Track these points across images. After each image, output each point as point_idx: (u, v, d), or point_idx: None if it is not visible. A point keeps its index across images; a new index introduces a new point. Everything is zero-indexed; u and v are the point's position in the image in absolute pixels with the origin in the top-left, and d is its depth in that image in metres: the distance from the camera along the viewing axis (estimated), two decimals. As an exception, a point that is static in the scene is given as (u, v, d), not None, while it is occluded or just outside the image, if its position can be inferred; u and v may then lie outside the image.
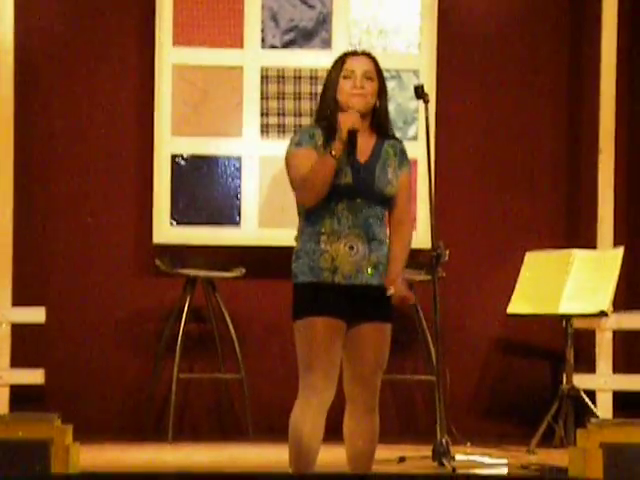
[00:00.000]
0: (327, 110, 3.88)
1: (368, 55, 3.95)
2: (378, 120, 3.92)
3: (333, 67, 3.93)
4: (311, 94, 6.28)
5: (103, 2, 6.35)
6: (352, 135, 3.79)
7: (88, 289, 6.29)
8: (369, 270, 3.85)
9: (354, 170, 3.85)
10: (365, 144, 3.90)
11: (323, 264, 3.83)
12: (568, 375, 5.89)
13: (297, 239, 3.92)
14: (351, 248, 3.84)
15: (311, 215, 3.86)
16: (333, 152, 3.78)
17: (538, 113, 6.52)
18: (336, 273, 3.83)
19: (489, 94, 6.50)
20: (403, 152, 3.96)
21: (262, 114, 6.33)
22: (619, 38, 6.28)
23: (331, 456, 4.15)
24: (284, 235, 6.29)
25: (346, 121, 3.79)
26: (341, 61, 3.91)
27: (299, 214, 3.93)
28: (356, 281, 3.84)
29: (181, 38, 6.29)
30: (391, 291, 3.85)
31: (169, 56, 6.28)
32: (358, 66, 3.89)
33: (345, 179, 3.83)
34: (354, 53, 3.95)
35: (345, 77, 3.89)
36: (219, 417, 6.36)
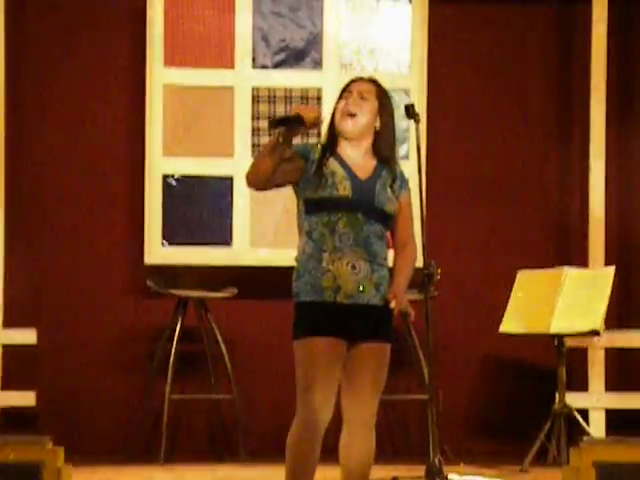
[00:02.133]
0: (327, 129, 3.93)
1: (371, 80, 4.00)
2: (378, 144, 3.93)
3: (340, 93, 3.99)
4: (302, 114, 6.28)
5: (94, 23, 6.36)
6: (294, 119, 3.75)
7: (79, 310, 6.28)
8: (372, 291, 3.84)
9: (354, 184, 3.86)
10: (366, 164, 3.91)
11: (325, 283, 3.83)
12: (560, 393, 5.89)
13: (298, 257, 3.91)
14: (353, 267, 3.84)
15: (312, 232, 3.86)
16: (279, 132, 3.77)
17: (528, 132, 6.54)
18: (338, 292, 3.83)
19: (480, 113, 6.51)
20: (402, 176, 3.99)
21: (253, 134, 6.34)
22: (609, 54, 6.31)
23: (327, 476, 4.14)
24: (276, 255, 6.31)
25: (303, 107, 3.90)
26: (345, 87, 3.98)
27: (299, 232, 3.93)
28: (359, 300, 3.84)
29: (172, 59, 6.30)
30: (392, 305, 3.84)
31: (160, 76, 6.29)
32: (355, 88, 3.94)
33: (344, 192, 3.84)
34: (359, 78, 4.01)
35: (341, 98, 3.93)
36: (211, 438, 6.34)
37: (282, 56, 6.38)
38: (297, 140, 3.90)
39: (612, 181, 6.40)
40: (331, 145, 3.90)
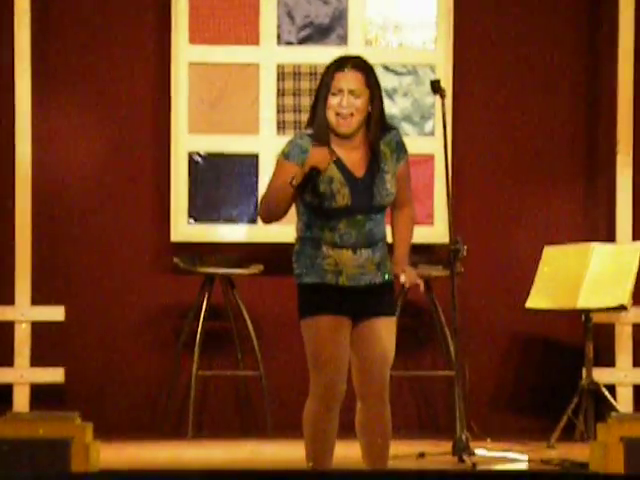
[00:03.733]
0: (318, 122, 3.87)
1: (358, 68, 3.89)
2: (370, 125, 3.90)
3: (323, 78, 3.90)
4: (327, 90, 6.27)
5: (119, 2, 6.36)
6: (313, 172, 3.77)
7: (107, 287, 6.30)
8: (373, 271, 3.86)
9: (352, 189, 3.84)
10: (360, 157, 3.88)
11: (327, 267, 3.85)
12: (588, 369, 5.87)
13: (297, 241, 3.93)
14: (354, 252, 3.86)
15: (311, 224, 3.87)
16: (293, 182, 3.79)
17: (555, 107, 6.49)
18: (340, 275, 3.85)
19: (506, 89, 6.47)
20: (399, 144, 3.94)
21: (278, 111, 6.33)
22: (637, 33, 6.25)
23: (348, 452, 4.15)
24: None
25: (315, 156, 3.79)
26: (331, 75, 3.88)
27: (298, 215, 3.93)
28: (360, 282, 3.87)
29: (197, 36, 6.29)
30: (402, 279, 3.86)
31: (185, 54, 6.28)
32: (345, 84, 3.86)
33: (343, 201, 3.84)
34: (342, 67, 3.88)
35: (333, 94, 3.87)
36: (238, 414, 6.37)
37: (307, 32, 6.36)
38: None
39: (640, 156, 6.36)
40: (324, 140, 3.84)
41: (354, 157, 3.88)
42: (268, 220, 3.91)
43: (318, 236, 3.86)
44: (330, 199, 3.83)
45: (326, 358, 3.81)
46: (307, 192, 3.83)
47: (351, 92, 3.86)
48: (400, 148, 3.94)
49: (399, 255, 3.92)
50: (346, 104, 3.84)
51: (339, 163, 3.86)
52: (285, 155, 3.89)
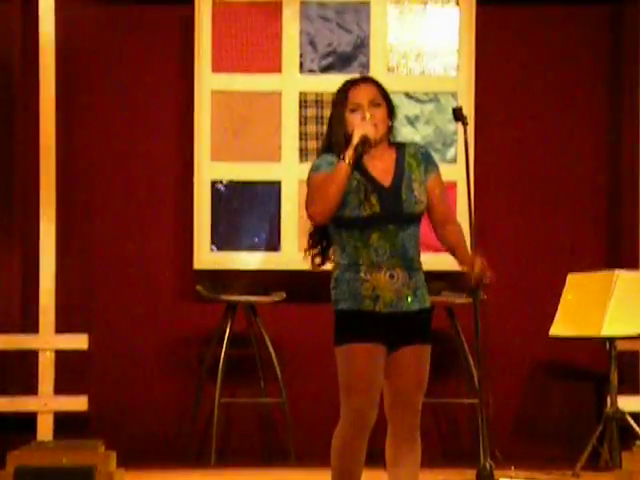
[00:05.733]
0: (337, 145, 3.85)
1: (369, 81, 3.91)
2: (393, 136, 3.91)
3: (337, 101, 3.88)
4: (350, 118, 6.28)
5: (142, 30, 6.41)
6: (363, 141, 3.77)
7: (130, 315, 6.32)
8: (409, 299, 3.84)
9: (380, 197, 3.83)
10: (386, 167, 3.88)
11: (364, 292, 3.83)
12: (612, 397, 5.84)
13: (334, 267, 3.91)
14: (391, 277, 3.83)
15: (346, 247, 3.85)
16: (346, 159, 3.76)
17: (578, 135, 6.49)
18: (377, 301, 3.83)
19: (527, 116, 6.48)
20: (426, 155, 3.92)
21: (301, 138, 6.35)
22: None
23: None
24: (324, 259, 6.31)
25: (360, 128, 3.78)
26: (344, 95, 3.87)
27: (334, 245, 3.91)
28: (397, 309, 3.83)
29: (220, 64, 6.33)
30: (477, 266, 3.75)
31: (208, 82, 6.32)
32: (362, 97, 3.86)
33: (372, 209, 3.82)
34: (355, 83, 3.90)
35: (352, 110, 3.86)
36: (262, 441, 6.36)
37: (329, 60, 6.39)
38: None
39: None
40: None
41: (380, 167, 3.86)
42: (325, 211, 3.77)
43: (354, 258, 3.84)
44: (359, 207, 3.81)
45: (360, 386, 3.78)
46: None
47: (371, 102, 3.86)
48: (427, 159, 3.92)
49: (463, 254, 3.84)
50: (369, 115, 3.85)
51: (366, 173, 3.85)
52: (315, 168, 3.87)
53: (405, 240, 3.84)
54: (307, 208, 3.86)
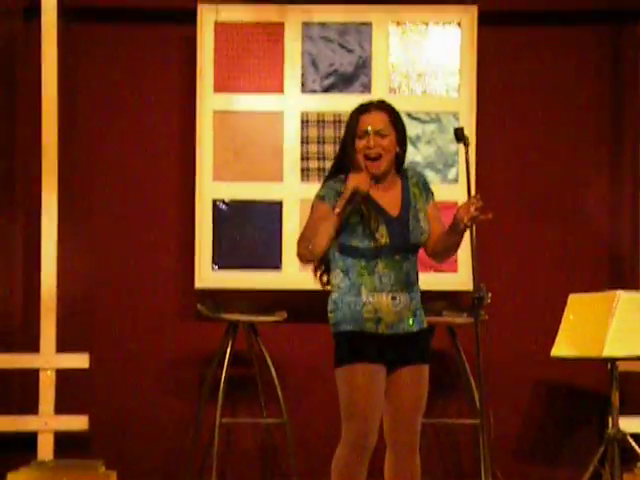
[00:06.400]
0: (349, 168, 3.89)
1: (382, 108, 3.93)
2: (399, 164, 3.94)
3: (348, 124, 3.95)
4: (351, 138, 6.29)
5: (145, 50, 6.43)
6: (354, 195, 3.79)
7: (131, 334, 6.32)
8: (410, 321, 3.86)
9: (389, 229, 3.86)
10: (393, 196, 3.90)
11: (366, 315, 3.84)
12: (614, 418, 5.82)
13: (334, 289, 3.91)
14: (394, 299, 3.85)
15: (348, 271, 3.87)
16: (336, 209, 3.79)
17: (579, 155, 6.50)
18: (379, 323, 3.84)
19: (529, 136, 6.49)
20: (425, 184, 3.99)
21: (302, 158, 6.36)
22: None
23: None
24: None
25: (354, 180, 3.82)
26: (355, 119, 3.92)
27: (335, 269, 3.91)
28: (398, 330, 3.85)
29: (222, 84, 6.35)
30: (474, 205, 3.79)
31: (210, 102, 6.34)
32: (370, 125, 3.89)
33: (382, 240, 3.85)
34: (367, 109, 3.93)
35: (360, 137, 3.90)
36: (262, 462, 6.34)
37: (331, 80, 6.40)
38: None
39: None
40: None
41: (388, 197, 3.90)
42: (309, 257, 3.87)
43: (357, 282, 3.85)
44: (369, 238, 3.83)
45: (361, 407, 3.79)
46: (347, 233, 3.82)
47: (377, 132, 3.88)
48: (427, 188, 3.98)
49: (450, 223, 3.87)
50: (373, 144, 3.86)
51: (374, 204, 3.88)
52: (321, 197, 3.90)
53: (409, 269, 3.87)
54: (298, 243, 3.89)
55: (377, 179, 3.88)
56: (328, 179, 3.97)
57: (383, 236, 3.84)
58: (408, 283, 3.86)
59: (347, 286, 3.87)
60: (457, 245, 3.95)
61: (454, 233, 3.88)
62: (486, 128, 6.36)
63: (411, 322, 3.84)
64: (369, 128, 3.87)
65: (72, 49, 6.33)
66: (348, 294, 3.86)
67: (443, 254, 3.96)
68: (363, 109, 3.94)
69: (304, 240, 3.86)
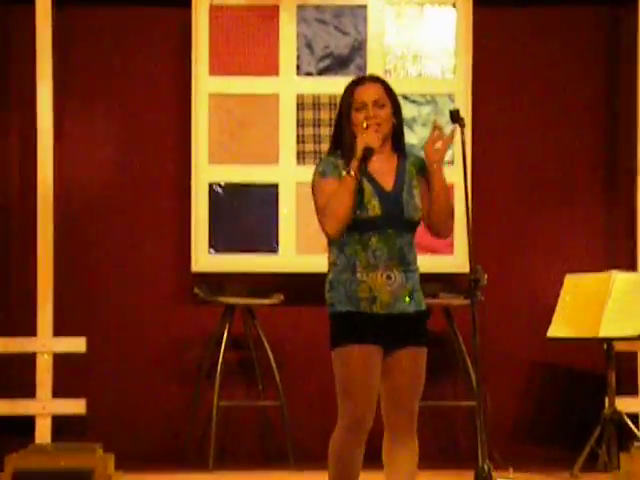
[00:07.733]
0: (345, 142, 3.88)
1: (376, 80, 3.94)
2: (397, 140, 3.94)
3: (343, 98, 3.93)
4: (347, 120, 6.29)
5: (140, 33, 6.41)
6: (367, 152, 3.80)
7: (128, 318, 6.32)
8: (406, 299, 3.85)
9: (382, 201, 3.85)
10: (388, 170, 3.90)
11: (361, 294, 3.83)
12: (610, 398, 5.84)
13: (330, 269, 3.92)
14: (388, 277, 3.84)
15: (345, 247, 3.86)
16: (351, 172, 3.79)
17: (575, 135, 6.50)
18: (374, 303, 3.83)
19: (525, 117, 6.48)
20: (423, 166, 3.96)
21: (298, 141, 6.35)
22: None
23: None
24: (322, 261, 6.29)
25: (363, 139, 3.82)
26: (350, 92, 3.91)
27: (330, 245, 3.92)
28: (394, 310, 3.84)
29: (217, 67, 6.33)
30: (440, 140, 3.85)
31: (206, 85, 6.33)
32: (367, 96, 3.89)
33: (374, 211, 3.84)
34: (361, 82, 3.94)
35: (357, 109, 3.89)
36: (260, 444, 6.36)
37: (326, 63, 6.39)
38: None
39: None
40: (350, 158, 3.86)
41: (383, 171, 3.89)
42: (338, 228, 3.82)
43: (352, 258, 3.85)
44: (361, 209, 3.82)
45: (357, 388, 3.79)
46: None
47: (375, 103, 3.88)
48: (424, 168, 3.96)
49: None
50: (372, 115, 3.86)
51: (369, 176, 3.87)
52: (322, 174, 3.89)
53: (403, 245, 3.86)
54: (320, 221, 3.88)
55: (374, 154, 3.86)
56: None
57: (375, 208, 3.84)
58: (403, 261, 3.85)
59: (343, 263, 3.87)
60: (446, 203, 3.90)
61: (435, 185, 3.86)
62: (481, 109, 6.36)
63: (407, 300, 3.84)
64: (366, 99, 3.86)
65: (67, 33, 6.31)
66: (344, 272, 3.86)
67: (439, 223, 3.93)
68: (358, 81, 3.95)
69: (328, 214, 3.82)
